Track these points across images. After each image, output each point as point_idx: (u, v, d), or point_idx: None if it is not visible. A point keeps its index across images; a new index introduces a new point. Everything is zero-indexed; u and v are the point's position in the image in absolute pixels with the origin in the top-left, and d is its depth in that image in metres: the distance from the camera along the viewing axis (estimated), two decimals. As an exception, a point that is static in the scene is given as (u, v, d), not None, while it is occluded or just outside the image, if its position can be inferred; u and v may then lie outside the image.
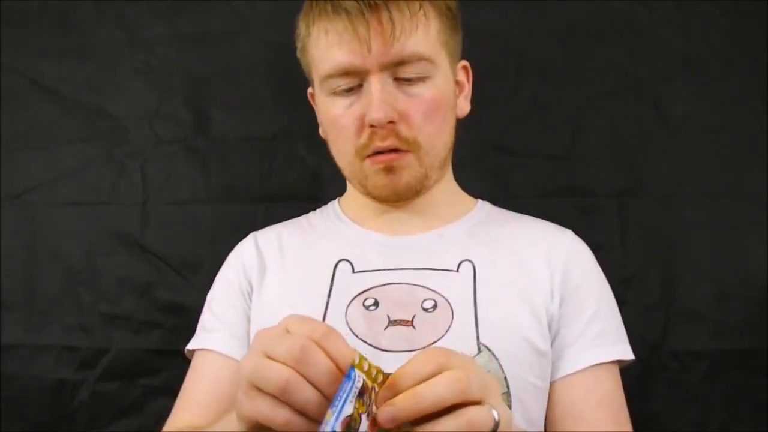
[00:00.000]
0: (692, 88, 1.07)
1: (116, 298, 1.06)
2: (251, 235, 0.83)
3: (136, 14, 1.11)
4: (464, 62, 0.80)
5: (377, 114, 0.68)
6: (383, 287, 0.71)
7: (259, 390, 0.45)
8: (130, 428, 1.04)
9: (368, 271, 0.73)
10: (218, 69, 1.10)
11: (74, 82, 1.10)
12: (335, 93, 0.72)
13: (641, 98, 1.08)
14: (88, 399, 1.04)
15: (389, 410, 0.44)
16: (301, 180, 1.08)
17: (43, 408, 1.04)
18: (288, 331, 0.46)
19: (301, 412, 0.44)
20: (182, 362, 0.78)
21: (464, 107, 0.80)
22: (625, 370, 0.74)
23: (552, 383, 0.71)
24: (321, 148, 1.06)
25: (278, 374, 0.44)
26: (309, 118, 1.08)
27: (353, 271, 0.74)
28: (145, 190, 1.09)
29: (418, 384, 0.44)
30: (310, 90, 0.80)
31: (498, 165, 1.08)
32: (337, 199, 0.86)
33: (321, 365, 0.44)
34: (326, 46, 0.70)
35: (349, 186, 0.83)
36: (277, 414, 0.44)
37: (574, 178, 1.07)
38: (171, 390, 0.76)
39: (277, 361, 0.44)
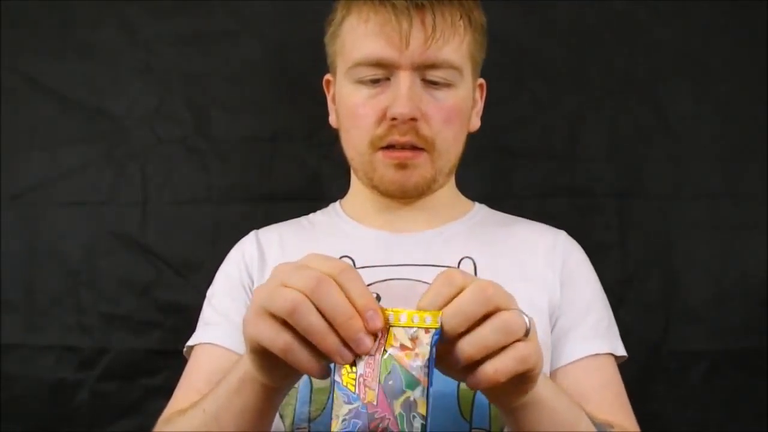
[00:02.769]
0: (692, 88, 1.07)
1: (116, 298, 1.06)
2: (252, 233, 0.83)
3: (136, 14, 1.11)
4: (482, 80, 0.82)
5: (402, 108, 0.70)
6: (385, 282, 0.72)
7: (269, 314, 0.45)
8: (130, 428, 1.04)
9: (370, 266, 0.74)
10: (218, 69, 1.10)
11: (74, 82, 1.10)
12: (360, 81, 0.73)
13: (641, 98, 1.08)
14: (88, 399, 1.04)
15: None
16: (301, 180, 1.08)
17: (43, 408, 1.04)
18: (307, 266, 0.45)
19: (304, 338, 0.43)
20: (182, 362, 0.78)
21: (476, 123, 0.82)
22: (625, 370, 0.74)
23: (552, 372, 0.71)
24: (321, 148, 1.07)
25: (288, 296, 0.43)
26: (309, 117, 1.08)
27: (355, 267, 0.74)
28: (145, 190, 1.08)
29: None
30: (327, 77, 0.81)
31: (498, 165, 1.08)
32: (338, 201, 0.86)
33: (334, 298, 0.43)
34: (363, 34, 0.72)
35: (352, 184, 0.84)
36: (279, 337, 0.44)
37: (574, 178, 1.07)
38: (171, 390, 0.75)
39: (292, 288, 0.44)
